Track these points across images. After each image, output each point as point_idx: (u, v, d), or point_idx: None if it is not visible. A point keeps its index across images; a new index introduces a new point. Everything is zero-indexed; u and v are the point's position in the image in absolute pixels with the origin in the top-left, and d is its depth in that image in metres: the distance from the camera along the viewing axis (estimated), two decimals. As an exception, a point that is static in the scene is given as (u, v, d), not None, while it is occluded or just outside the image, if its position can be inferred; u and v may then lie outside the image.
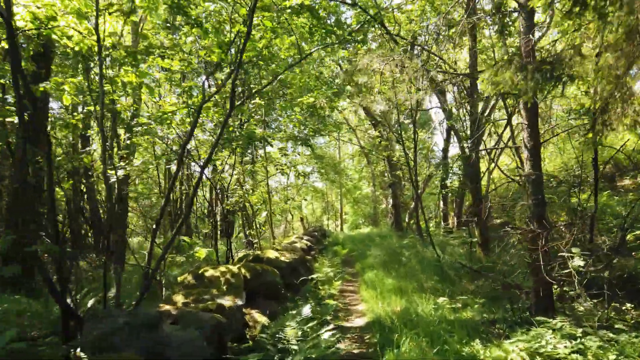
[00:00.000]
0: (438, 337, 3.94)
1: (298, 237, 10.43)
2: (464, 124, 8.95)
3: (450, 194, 13.02)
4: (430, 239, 7.90)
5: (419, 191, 12.41)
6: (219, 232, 7.50)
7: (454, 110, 9.84)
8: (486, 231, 7.81)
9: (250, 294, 4.85)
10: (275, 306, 5.09)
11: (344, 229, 29.54)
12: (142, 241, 12.36)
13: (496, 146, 8.22)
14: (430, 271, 7.25)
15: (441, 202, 13.16)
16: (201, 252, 5.19)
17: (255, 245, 7.93)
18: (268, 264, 5.59)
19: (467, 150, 8.07)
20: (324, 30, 5.88)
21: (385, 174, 28.32)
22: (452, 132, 9.44)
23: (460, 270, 6.94)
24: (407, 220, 15.59)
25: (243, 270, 5.04)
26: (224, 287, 4.38)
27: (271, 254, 6.08)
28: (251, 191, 8.30)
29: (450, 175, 12.04)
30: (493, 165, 8.13)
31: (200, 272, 4.67)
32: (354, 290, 7.36)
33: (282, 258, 6.06)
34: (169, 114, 5.23)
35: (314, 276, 5.73)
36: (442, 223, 13.27)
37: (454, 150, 15.61)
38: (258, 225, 10.11)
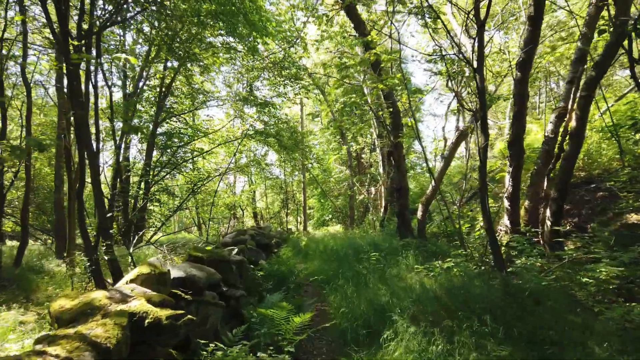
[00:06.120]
0: None
1: (141, 276, 3.11)
2: None
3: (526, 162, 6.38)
4: None
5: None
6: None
7: None
8: None
9: None
10: None
11: (307, 227, 22.46)
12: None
13: None
14: None
15: (508, 181, 6.41)
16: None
17: None
18: None
19: None
20: None
21: (370, 148, 21.30)
22: None
23: None
24: (420, 216, 8.73)
25: None
26: None
27: None
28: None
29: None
30: None
31: None
32: None
33: None
34: None
35: None
36: (507, 223, 6.51)
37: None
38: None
